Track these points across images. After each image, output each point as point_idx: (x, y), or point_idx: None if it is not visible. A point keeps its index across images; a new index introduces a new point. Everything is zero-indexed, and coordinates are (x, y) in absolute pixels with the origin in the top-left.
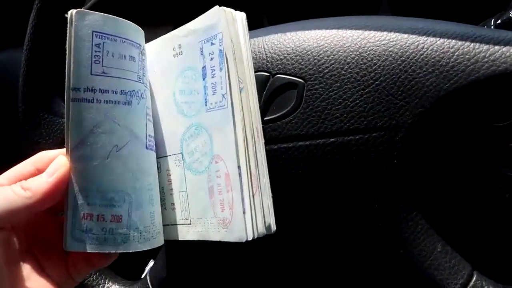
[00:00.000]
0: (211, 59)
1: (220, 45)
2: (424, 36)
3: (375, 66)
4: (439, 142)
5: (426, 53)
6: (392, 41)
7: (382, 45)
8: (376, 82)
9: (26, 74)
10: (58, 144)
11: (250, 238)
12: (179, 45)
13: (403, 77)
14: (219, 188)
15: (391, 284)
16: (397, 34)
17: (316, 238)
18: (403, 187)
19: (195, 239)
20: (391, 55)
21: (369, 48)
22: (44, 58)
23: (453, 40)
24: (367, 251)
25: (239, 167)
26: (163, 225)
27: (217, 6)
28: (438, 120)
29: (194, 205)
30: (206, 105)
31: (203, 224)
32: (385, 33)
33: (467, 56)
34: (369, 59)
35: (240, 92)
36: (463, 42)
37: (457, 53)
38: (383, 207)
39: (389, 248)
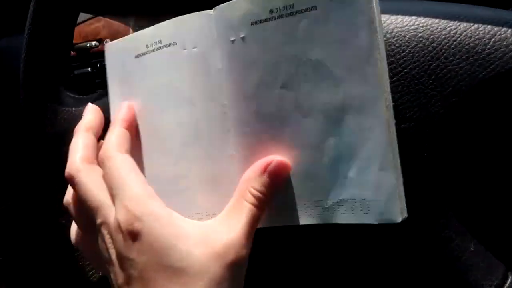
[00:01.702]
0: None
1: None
2: (457, 21)
3: (404, 53)
4: (472, 135)
5: (459, 39)
6: (422, 26)
7: (412, 31)
8: (405, 70)
9: (27, 60)
10: (61, 133)
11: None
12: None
13: (434, 64)
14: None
15: (424, 284)
16: (428, 18)
17: (345, 235)
18: (434, 182)
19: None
20: (421, 41)
21: (397, 34)
22: (46, 44)
23: (489, 26)
24: (398, 250)
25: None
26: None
27: None
28: (472, 111)
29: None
30: None
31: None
32: (414, 17)
33: (504, 43)
34: (397, 45)
35: None
36: (500, 27)
37: (493, 39)
38: (413, 204)
39: (420, 246)
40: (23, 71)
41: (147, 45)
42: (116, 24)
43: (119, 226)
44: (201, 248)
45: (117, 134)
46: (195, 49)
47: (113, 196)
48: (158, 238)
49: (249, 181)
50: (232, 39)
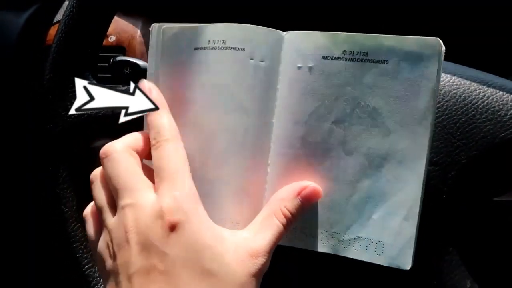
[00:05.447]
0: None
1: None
2: (485, 86)
3: (439, 105)
4: (487, 185)
5: (487, 101)
6: (456, 85)
7: (447, 86)
8: (438, 120)
9: (62, 41)
10: (80, 122)
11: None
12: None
13: (463, 119)
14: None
15: None
16: (461, 79)
17: (350, 264)
18: (446, 221)
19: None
20: (454, 97)
21: None
22: (84, 29)
23: (511, 95)
24: (401, 280)
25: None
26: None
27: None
28: (489, 165)
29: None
30: None
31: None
32: (449, 75)
33: None
34: None
35: None
36: None
37: None
38: (424, 237)
39: (423, 278)
40: (54, 52)
41: (209, 41)
42: (124, 23)
43: (160, 212)
44: (232, 254)
45: (169, 119)
46: (263, 62)
47: (160, 179)
48: (197, 235)
49: (282, 201)
50: (299, 65)
